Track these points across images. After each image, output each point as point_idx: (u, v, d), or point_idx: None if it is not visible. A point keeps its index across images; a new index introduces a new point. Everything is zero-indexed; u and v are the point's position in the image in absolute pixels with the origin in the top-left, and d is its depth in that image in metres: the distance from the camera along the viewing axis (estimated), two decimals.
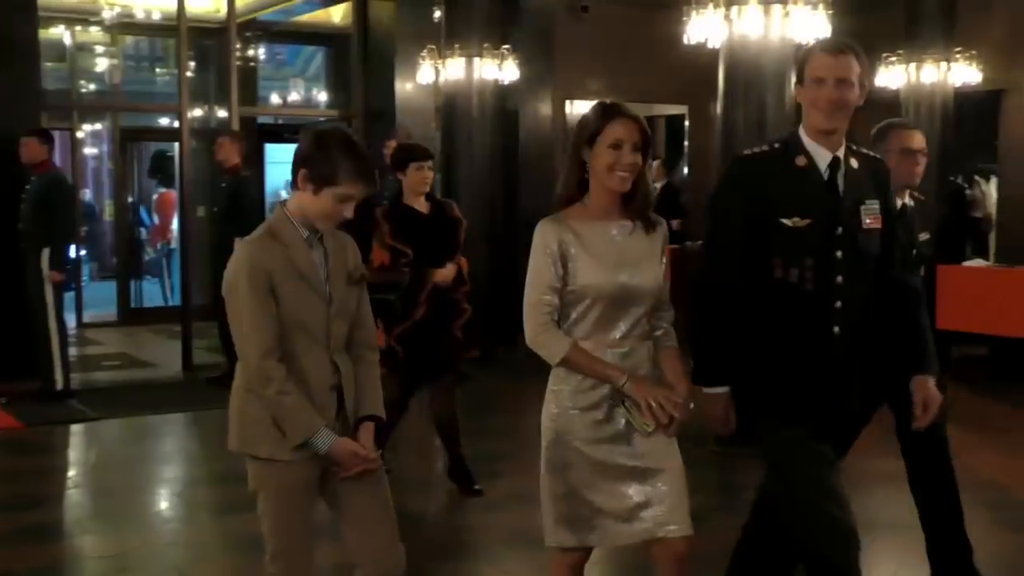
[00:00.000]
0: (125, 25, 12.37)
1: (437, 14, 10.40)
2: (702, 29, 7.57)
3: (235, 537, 5.57)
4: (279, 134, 13.74)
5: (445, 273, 5.58)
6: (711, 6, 7.43)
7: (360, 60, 10.90)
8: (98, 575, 5.10)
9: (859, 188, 3.25)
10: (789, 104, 7.40)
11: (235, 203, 9.10)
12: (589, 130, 3.12)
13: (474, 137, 9.89)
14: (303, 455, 3.01)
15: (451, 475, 6.06)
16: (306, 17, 12.49)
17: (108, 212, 15.33)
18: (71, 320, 11.10)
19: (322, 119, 12.23)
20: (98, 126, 16.18)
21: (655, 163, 13.71)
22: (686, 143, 13.23)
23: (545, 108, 11.65)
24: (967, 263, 10.10)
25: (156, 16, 11.67)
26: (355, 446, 3.07)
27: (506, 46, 10.11)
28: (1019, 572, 4.96)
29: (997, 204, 12.55)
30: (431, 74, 10.02)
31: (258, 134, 12.97)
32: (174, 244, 13.72)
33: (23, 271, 8.39)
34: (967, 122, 11.31)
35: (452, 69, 9.71)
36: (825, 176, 3.22)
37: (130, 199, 14.13)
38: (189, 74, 10.92)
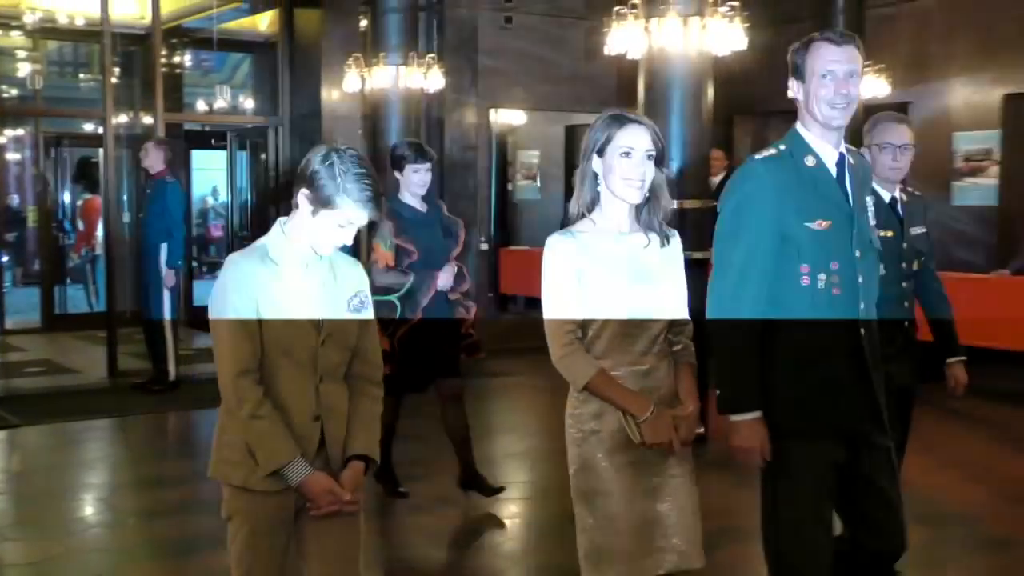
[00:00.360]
0: (48, 30, 12.22)
1: (363, 23, 10.37)
2: (623, 40, 7.65)
3: (160, 542, 5.53)
4: (206, 140, 13.60)
5: (446, 275, 5.40)
6: (631, 18, 7.52)
7: (286, 68, 10.84)
8: None
9: (864, 185, 3.16)
10: (706, 114, 7.52)
11: (159, 210, 9.05)
12: (598, 139, 2.97)
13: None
14: (278, 485, 2.78)
15: (463, 486, 5.78)
16: (232, 24, 12.36)
17: (32, 218, 15.03)
18: None
19: (248, 125, 12.12)
20: (20, 131, 15.92)
21: (577, 171, 13.82)
22: None
23: (470, 116, 11.66)
24: None
25: (79, 21, 11.49)
26: (331, 483, 2.81)
27: (431, 55, 10.13)
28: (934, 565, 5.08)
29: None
30: (357, 82, 9.98)
31: (184, 140, 12.84)
32: (99, 250, 13.47)
33: None
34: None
35: (378, 78, 9.69)
36: (834, 174, 3.08)
37: (53, 205, 13.88)
38: (114, 80, 10.78)
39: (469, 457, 5.73)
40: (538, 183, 14.87)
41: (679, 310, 3.09)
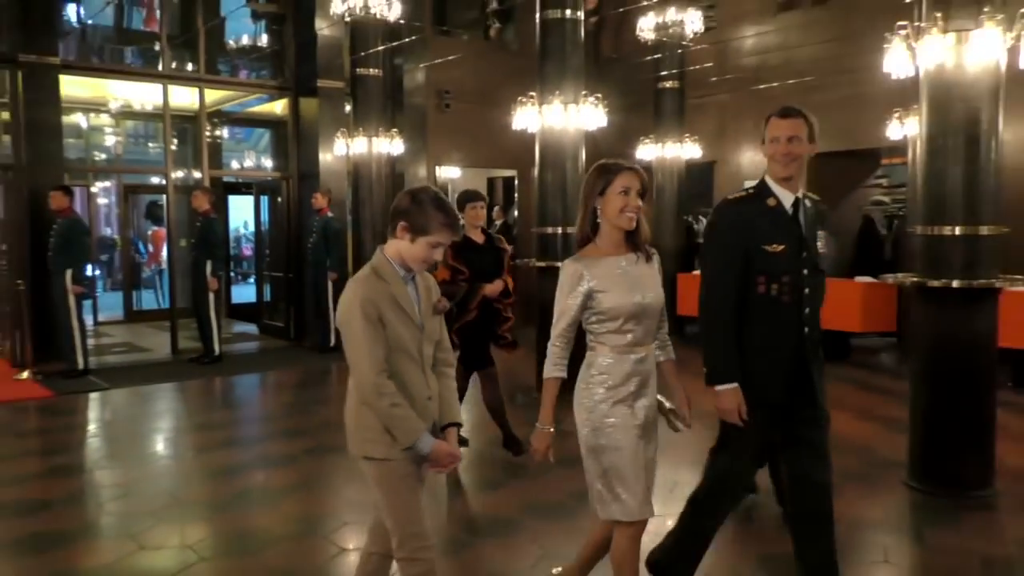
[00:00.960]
0: (126, 112, 11.87)
1: (348, 108, 10.31)
2: (524, 120, 7.67)
3: (211, 469, 5.37)
4: (238, 188, 13.38)
5: (494, 287, 5.12)
6: (529, 104, 7.53)
7: (294, 138, 10.64)
8: (108, 499, 4.83)
9: (813, 222, 2.96)
10: (581, 169, 7.56)
11: (205, 237, 8.97)
12: (600, 183, 2.74)
13: (373, 191, 9.82)
14: (408, 454, 2.58)
15: (505, 445, 5.45)
16: (256, 108, 12.12)
17: (117, 243, 14.72)
18: (89, 319, 10.62)
19: (268, 178, 11.87)
20: (108, 184, 15.57)
21: (496, 208, 13.82)
22: (516, 195, 13.33)
23: (422, 171, 11.59)
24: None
25: (149, 107, 11.17)
26: (449, 447, 2.64)
27: (395, 129, 10.08)
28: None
29: None
30: (344, 148, 9.87)
31: (224, 188, 12.57)
32: (164, 265, 13.15)
33: (50, 287, 8.11)
34: (693, 182, 11.70)
35: (358, 145, 9.60)
36: (790, 212, 2.92)
37: (132, 234, 13.54)
38: (172, 147, 10.51)
39: (505, 424, 5.43)
40: None
41: (663, 310, 2.88)
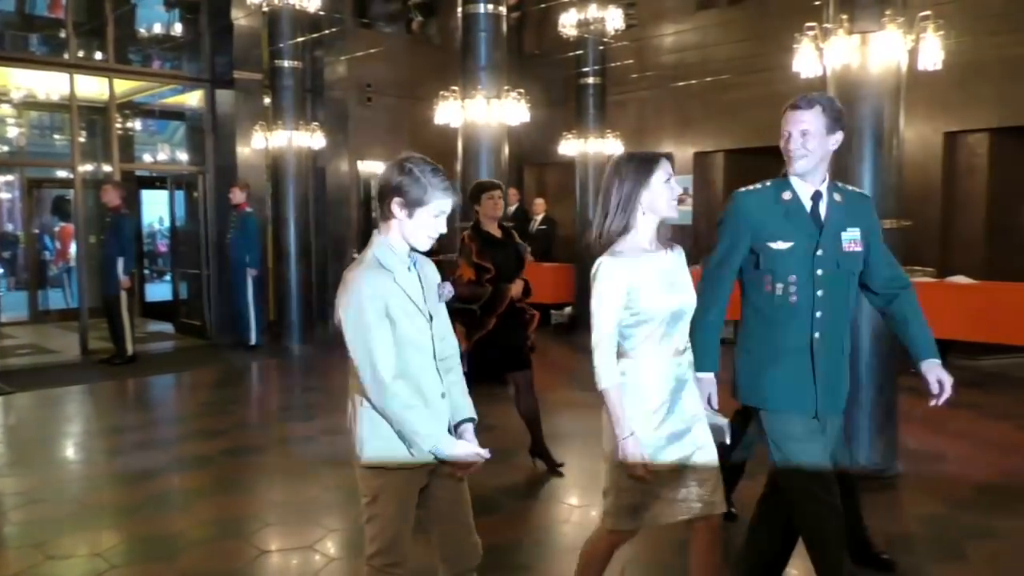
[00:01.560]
0: (29, 103, 11.34)
1: (266, 100, 10.09)
2: (446, 114, 7.64)
3: (121, 474, 5.19)
4: (151, 182, 12.94)
5: (517, 287, 4.69)
6: (451, 99, 7.50)
7: (210, 130, 10.32)
8: (11, 508, 4.61)
9: (841, 218, 2.69)
10: (503, 163, 7.57)
11: (116, 233, 8.63)
12: (644, 174, 2.50)
13: (294, 185, 9.67)
14: (425, 460, 2.35)
15: (534, 454, 5.00)
16: (170, 99, 11.72)
17: (22, 240, 14.03)
18: None
19: (184, 172, 11.50)
20: (10, 177, 14.85)
21: None
22: None
23: (344, 166, 11.41)
24: None
25: (55, 97, 10.67)
26: (471, 447, 2.39)
27: (315, 123, 9.94)
28: None
29: None
30: (262, 142, 9.66)
31: (136, 182, 12.13)
32: (72, 263, 12.60)
33: None
34: None
35: (277, 139, 9.42)
36: (808, 207, 2.69)
37: (37, 231, 12.92)
38: (80, 139, 10.08)
39: (539, 433, 4.96)
40: None
41: (693, 309, 2.62)
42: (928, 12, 4.88)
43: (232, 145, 10.06)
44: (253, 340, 9.40)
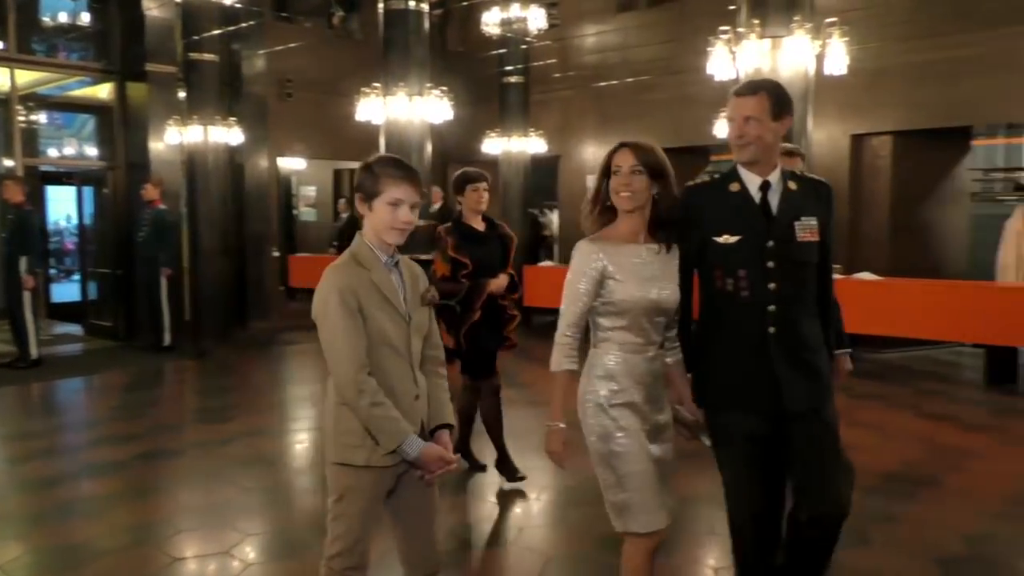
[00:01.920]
0: None
1: (181, 94, 9.78)
2: (368, 111, 7.57)
3: (27, 481, 4.96)
4: (58, 178, 12.37)
5: (499, 282, 4.43)
6: (373, 95, 7.43)
7: (121, 125, 9.96)
8: None
9: (795, 207, 2.54)
10: (427, 161, 7.55)
11: (19, 231, 8.20)
12: (605, 162, 2.50)
13: (210, 182, 9.42)
14: (392, 461, 2.32)
15: (497, 466, 4.75)
16: (78, 92, 11.22)
17: None
18: None
19: (93, 168, 11.04)
20: None
21: (341, 201, 13.54)
22: None
23: (263, 162, 11.16)
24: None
25: None
26: (441, 450, 2.36)
27: (233, 118, 9.70)
28: None
29: (558, 227, 13.41)
30: (177, 137, 9.37)
31: (40, 178, 11.57)
32: None
33: None
34: (539, 176, 11.96)
35: (192, 133, 9.16)
36: (757, 198, 2.54)
37: None
38: None
39: (501, 443, 4.74)
40: (314, 209, 14.73)
41: (676, 308, 2.56)
42: (834, 19, 5.08)
43: (144, 140, 9.73)
44: (167, 341, 9.11)
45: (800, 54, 4.83)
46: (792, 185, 2.57)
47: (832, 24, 4.99)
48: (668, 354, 2.62)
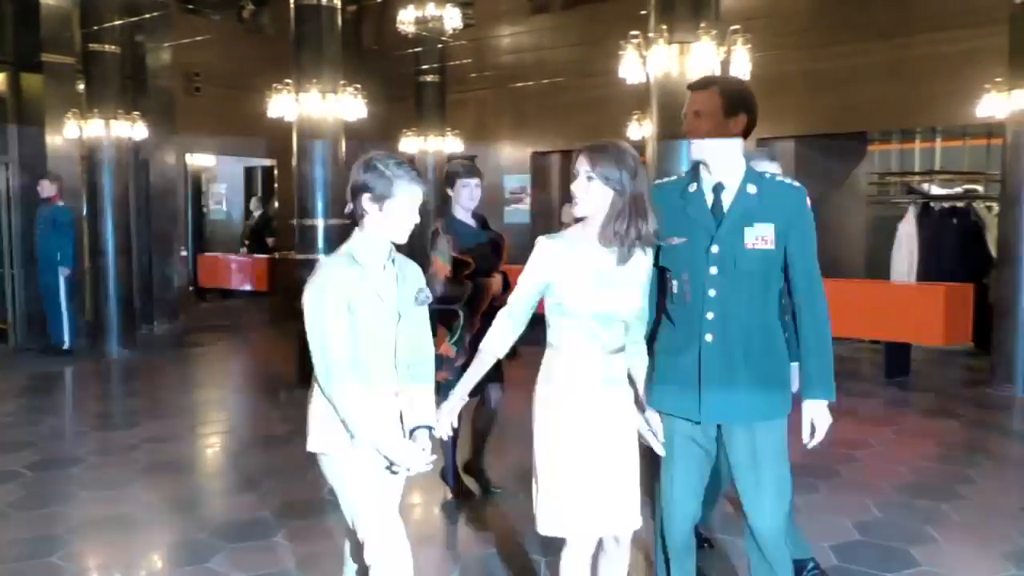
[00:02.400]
0: None
1: (81, 86, 9.37)
2: (280, 108, 7.42)
3: None
4: None
5: (496, 283, 4.16)
6: (285, 92, 7.29)
7: (14, 117, 9.45)
8: None
9: (749, 211, 2.40)
10: (340, 160, 7.43)
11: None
12: (572, 168, 2.43)
13: (113, 179, 9.05)
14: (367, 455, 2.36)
15: (467, 470, 4.48)
16: None
17: None
18: None
19: None
20: None
21: (253, 199, 13.25)
22: (275, 185, 12.84)
23: (170, 159, 10.78)
24: None
25: None
26: (415, 447, 2.38)
27: (136, 112, 9.35)
28: None
29: None
30: (76, 130, 8.97)
31: None
32: None
33: None
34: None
35: (93, 128, 8.78)
36: (710, 200, 2.44)
37: None
38: None
39: (481, 450, 4.49)
40: (225, 207, 14.32)
41: (638, 315, 2.50)
42: (738, 26, 5.26)
43: (41, 134, 9.27)
44: (67, 343, 8.72)
45: (706, 60, 4.98)
46: (752, 188, 2.42)
47: (736, 31, 5.16)
48: (634, 358, 2.55)
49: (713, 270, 2.40)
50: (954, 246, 8.82)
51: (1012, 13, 6.90)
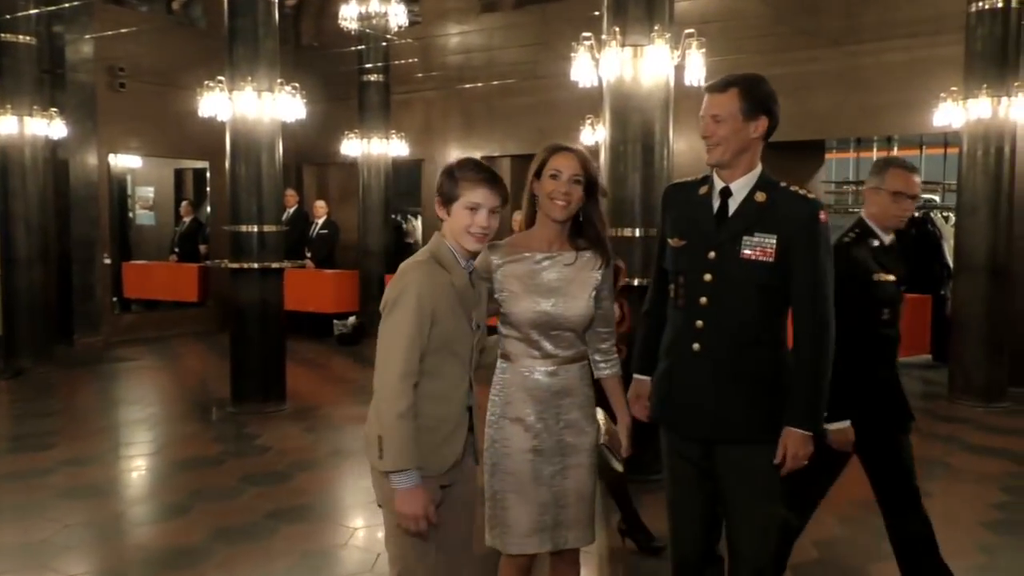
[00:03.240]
0: None
1: None
2: (212, 106, 7.29)
3: None
4: None
5: None
6: (217, 89, 7.18)
7: None
8: None
9: (752, 220, 2.37)
10: (278, 162, 7.33)
11: None
12: (537, 164, 2.46)
13: (27, 180, 8.80)
14: (437, 469, 2.29)
15: (627, 534, 4.10)
16: None
17: None
18: None
19: None
20: None
21: (184, 203, 12.98)
22: (208, 189, 12.61)
23: (92, 159, 10.49)
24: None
25: None
26: (425, 505, 2.22)
27: (54, 109, 9.11)
28: None
29: (422, 233, 13.36)
30: None
31: None
32: None
33: None
34: (401, 179, 11.89)
35: (5, 125, 8.53)
36: (716, 205, 2.43)
37: None
38: None
39: (630, 507, 4.18)
40: (153, 212, 13.99)
41: (590, 323, 2.51)
42: (692, 30, 5.36)
43: None
44: None
45: (660, 64, 5.05)
46: (760, 196, 2.38)
47: (690, 35, 5.26)
48: (604, 368, 2.60)
49: (707, 277, 2.39)
50: (911, 257, 9.09)
51: (967, 23, 7.16)
